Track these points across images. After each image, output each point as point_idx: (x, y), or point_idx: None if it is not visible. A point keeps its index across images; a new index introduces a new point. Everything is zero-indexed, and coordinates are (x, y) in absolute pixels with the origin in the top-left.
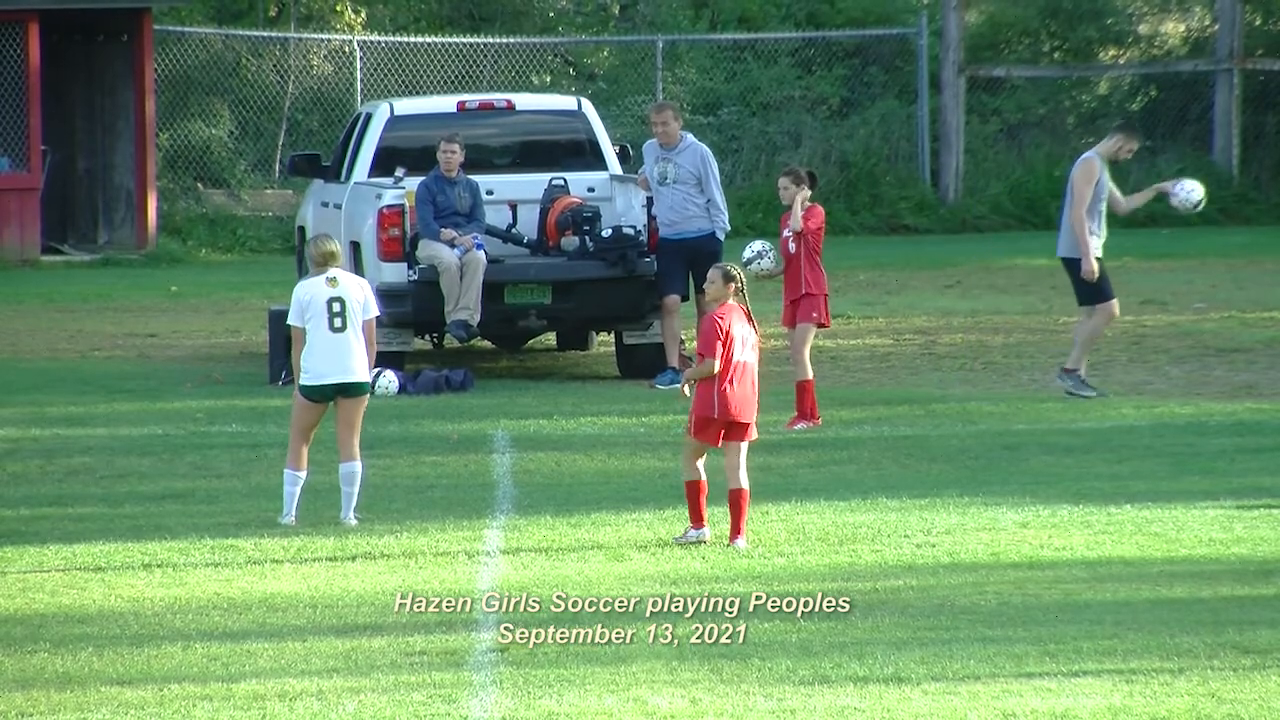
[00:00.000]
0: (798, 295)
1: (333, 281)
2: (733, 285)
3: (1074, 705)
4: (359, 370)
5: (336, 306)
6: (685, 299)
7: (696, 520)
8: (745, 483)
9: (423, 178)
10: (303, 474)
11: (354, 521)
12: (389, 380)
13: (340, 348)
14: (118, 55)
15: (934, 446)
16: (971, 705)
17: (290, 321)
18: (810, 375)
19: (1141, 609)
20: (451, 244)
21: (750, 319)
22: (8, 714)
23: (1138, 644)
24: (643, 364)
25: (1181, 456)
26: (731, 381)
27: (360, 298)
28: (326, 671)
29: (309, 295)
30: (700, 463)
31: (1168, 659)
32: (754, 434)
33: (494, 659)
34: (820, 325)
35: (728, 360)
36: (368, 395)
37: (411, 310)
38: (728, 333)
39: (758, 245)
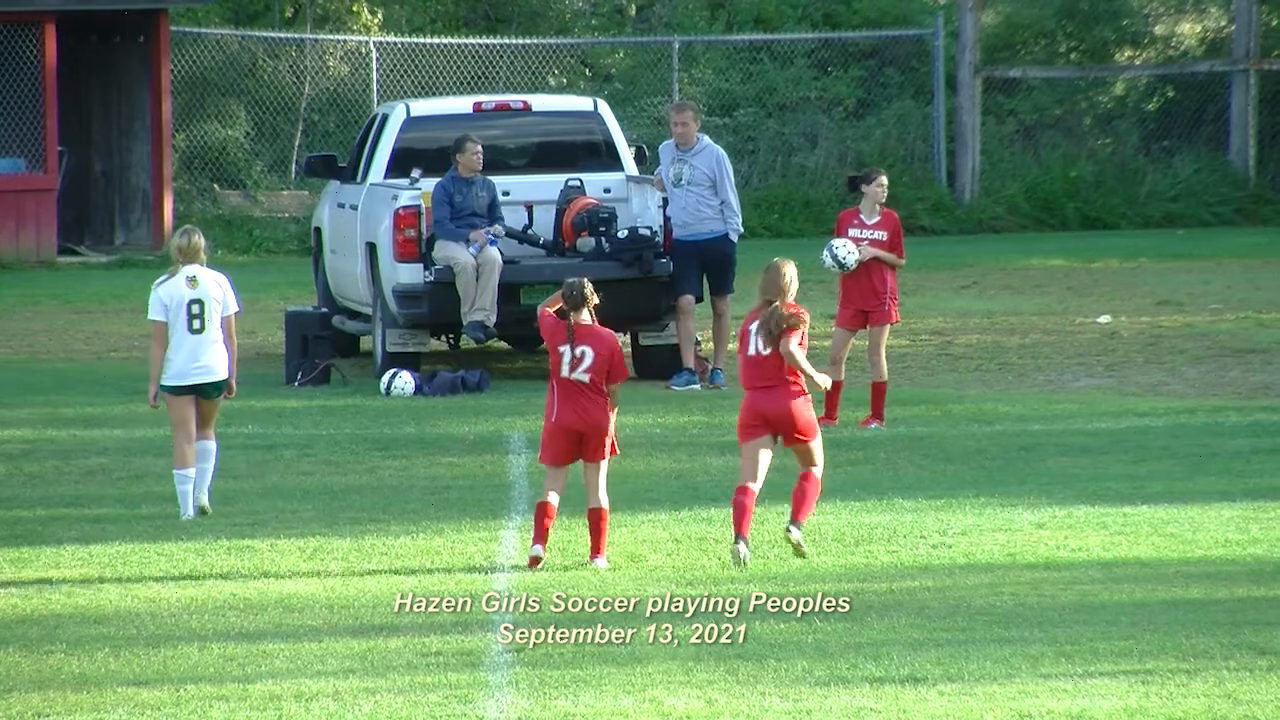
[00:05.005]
0: (867, 305)
1: (193, 281)
2: (577, 300)
3: (1090, 706)
4: (218, 369)
5: (196, 309)
6: (699, 300)
7: (539, 538)
8: (604, 502)
9: (439, 178)
10: (191, 471)
11: (206, 501)
12: (405, 381)
13: (199, 348)
14: (134, 56)
15: (950, 447)
16: (987, 706)
17: (151, 317)
18: (885, 377)
19: (1157, 610)
20: (468, 241)
21: (593, 336)
22: (25, 714)
23: (1154, 645)
24: (659, 365)
25: (1198, 457)
26: (571, 397)
27: (219, 295)
28: (342, 672)
29: (170, 297)
30: (555, 491)
31: (1184, 660)
32: (607, 451)
33: (510, 659)
34: (891, 323)
35: (564, 378)
36: (224, 394)
37: (428, 311)
38: (562, 350)
39: (848, 246)
